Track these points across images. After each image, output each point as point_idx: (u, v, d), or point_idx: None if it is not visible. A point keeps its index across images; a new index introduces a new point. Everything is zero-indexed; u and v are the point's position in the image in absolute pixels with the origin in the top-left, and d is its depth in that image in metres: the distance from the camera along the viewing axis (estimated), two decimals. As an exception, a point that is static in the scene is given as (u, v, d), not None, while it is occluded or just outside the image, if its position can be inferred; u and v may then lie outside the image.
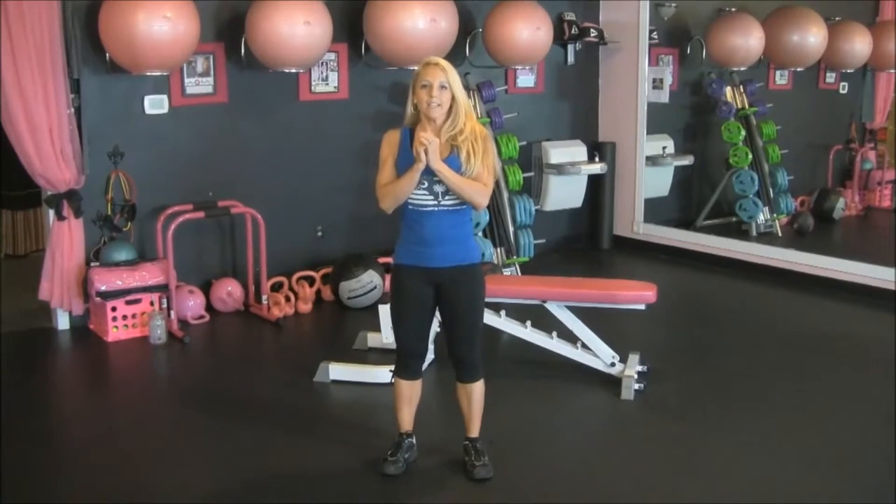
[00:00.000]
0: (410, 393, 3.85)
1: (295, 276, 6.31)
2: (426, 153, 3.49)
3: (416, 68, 3.64)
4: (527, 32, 6.73)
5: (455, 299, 3.70)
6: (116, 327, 5.58)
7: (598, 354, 4.84)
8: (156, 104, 5.89)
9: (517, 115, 7.18)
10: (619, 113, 7.87)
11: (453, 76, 3.56)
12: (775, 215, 8.20)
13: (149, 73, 5.60)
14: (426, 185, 3.59)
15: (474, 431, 3.88)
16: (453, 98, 3.56)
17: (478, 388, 3.83)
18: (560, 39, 7.41)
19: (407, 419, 3.88)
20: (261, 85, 6.23)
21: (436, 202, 3.61)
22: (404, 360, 3.82)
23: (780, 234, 8.18)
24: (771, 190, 8.23)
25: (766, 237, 8.00)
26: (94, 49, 5.56)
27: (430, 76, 3.54)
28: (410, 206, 3.64)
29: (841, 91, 8.86)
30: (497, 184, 6.90)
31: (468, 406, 3.85)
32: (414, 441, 3.89)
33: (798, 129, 8.60)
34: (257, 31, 5.81)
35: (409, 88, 3.63)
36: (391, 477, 3.79)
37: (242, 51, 6.03)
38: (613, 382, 4.72)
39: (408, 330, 3.77)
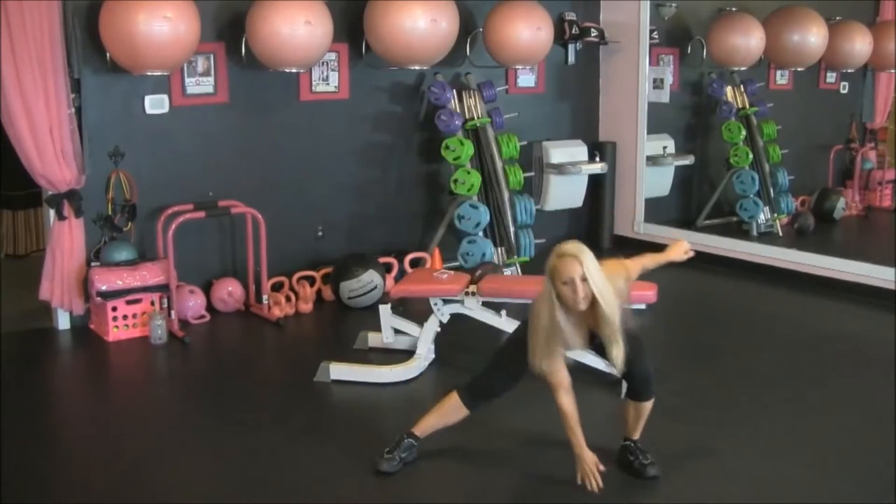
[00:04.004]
0: (456, 415, 3.84)
1: (295, 276, 6.31)
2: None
3: (550, 259, 3.45)
4: (527, 32, 6.72)
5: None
6: (117, 327, 5.58)
7: (599, 354, 4.84)
8: (156, 104, 5.89)
9: (518, 114, 7.19)
10: (619, 113, 7.87)
11: (590, 265, 3.40)
12: (776, 215, 8.20)
13: (149, 73, 5.59)
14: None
15: (637, 434, 3.90)
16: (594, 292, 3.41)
17: (650, 404, 3.84)
18: (561, 39, 7.42)
19: (428, 427, 3.87)
20: (261, 85, 6.24)
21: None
22: (482, 394, 3.82)
23: (780, 233, 8.18)
24: (771, 190, 8.23)
25: (767, 237, 7.99)
26: (94, 49, 5.57)
27: (570, 271, 3.37)
28: None
29: (841, 91, 8.85)
30: (497, 184, 6.90)
31: (636, 418, 3.86)
32: (415, 444, 3.88)
33: (798, 129, 8.59)
34: (258, 30, 5.81)
35: (548, 279, 3.46)
36: (389, 476, 3.78)
37: (243, 51, 6.03)
38: (613, 382, 4.71)
39: (508, 377, 3.77)
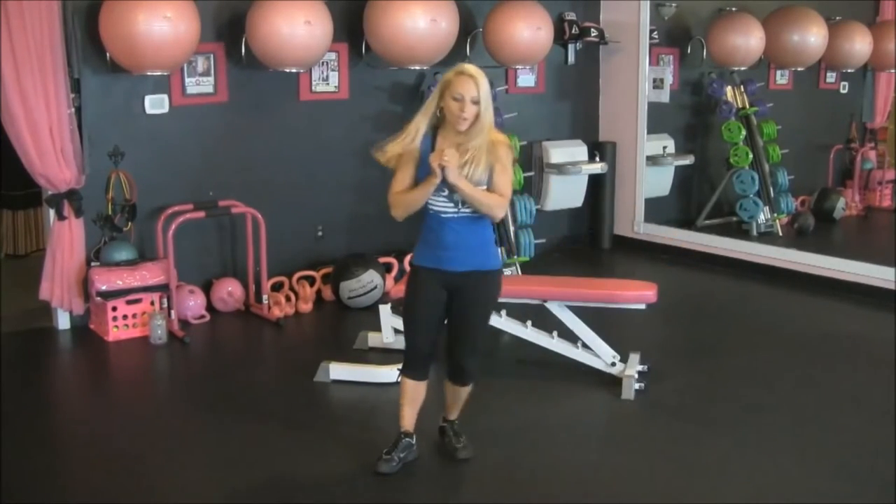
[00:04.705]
0: (415, 393, 3.85)
1: (295, 276, 6.31)
2: (443, 169, 3.47)
3: (447, 74, 3.58)
4: (527, 32, 6.72)
5: (467, 304, 3.71)
6: (117, 327, 5.58)
7: (599, 354, 4.84)
8: (156, 104, 5.89)
9: (517, 114, 7.18)
10: (619, 113, 7.87)
11: (485, 90, 3.52)
12: (776, 215, 8.20)
13: (149, 73, 5.59)
14: (446, 192, 3.58)
15: (454, 415, 3.98)
16: (479, 112, 3.52)
17: (466, 390, 3.91)
18: (560, 39, 7.41)
19: (409, 419, 3.88)
20: (261, 85, 6.23)
21: (455, 209, 3.61)
22: (413, 359, 3.82)
23: (780, 233, 8.17)
24: (771, 190, 8.23)
25: (767, 237, 7.99)
26: (94, 49, 5.56)
27: (463, 89, 3.51)
28: (431, 211, 3.64)
29: (841, 91, 8.86)
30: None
31: (453, 399, 3.95)
32: (413, 441, 3.88)
33: (798, 129, 8.59)
34: (258, 30, 5.80)
35: (437, 90, 3.60)
36: (388, 476, 3.79)
37: (243, 50, 6.02)
38: (614, 382, 4.72)
39: (419, 330, 3.77)
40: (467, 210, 3.60)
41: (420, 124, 3.62)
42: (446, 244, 3.64)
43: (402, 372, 3.87)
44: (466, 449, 3.94)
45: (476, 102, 3.50)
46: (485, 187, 3.59)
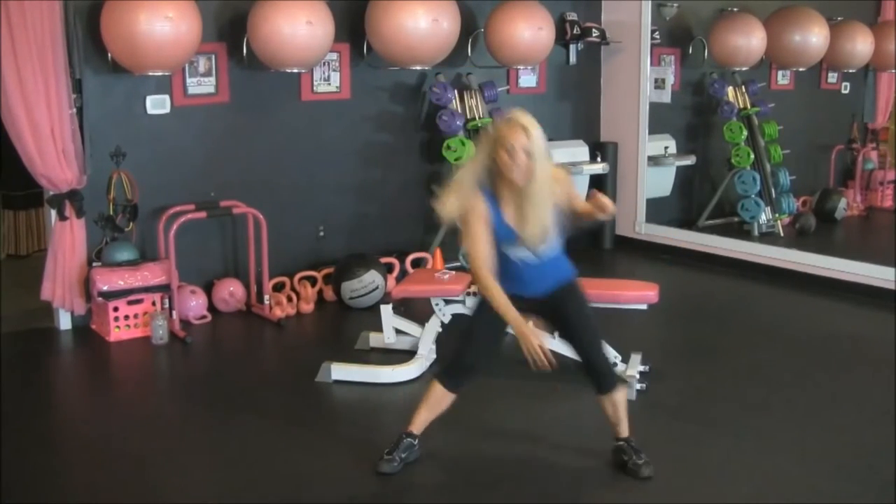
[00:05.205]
0: (441, 401, 3.80)
1: (297, 276, 6.31)
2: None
3: (497, 123, 3.46)
4: (529, 32, 6.73)
5: (570, 314, 3.70)
6: (118, 327, 5.58)
7: (600, 354, 4.83)
8: (158, 104, 5.90)
9: (519, 115, 7.18)
10: (620, 113, 7.87)
11: (538, 139, 3.38)
12: (777, 215, 8.20)
13: (151, 73, 5.60)
14: (528, 251, 3.54)
15: (625, 432, 3.85)
16: (533, 164, 3.39)
17: (621, 394, 3.82)
18: (562, 39, 7.41)
19: (421, 422, 3.85)
20: (263, 85, 6.24)
21: (537, 258, 3.58)
22: (457, 370, 3.78)
23: (781, 234, 8.17)
24: (773, 190, 8.23)
25: (768, 237, 7.99)
26: (95, 49, 5.57)
27: (514, 138, 3.36)
28: (510, 258, 3.57)
29: (843, 91, 8.86)
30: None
31: (614, 413, 3.83)
32: (415, 443, 3.87)
33: (800, 129, 8.59)
34: (259, 31, 5.81)
35: (488, 141, 3.46)
36: (389, 476, 3.79)
37: (244, 51, 6.03)
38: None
39: (480, 348, 3.75)
40: (547, 255, 3.58)
41: (472, 177, 3.50)
42: (527, 281, 3.62)
43: (439, 378, 3.80)
44: (649, 466, 3.77)
45: (528, 152, 3.36)
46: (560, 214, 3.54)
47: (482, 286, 3.54)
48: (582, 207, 3.62)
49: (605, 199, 3.53)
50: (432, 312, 5.00)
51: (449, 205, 3.52)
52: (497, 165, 3.43)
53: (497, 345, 3.78)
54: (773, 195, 8.22)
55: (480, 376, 3.85)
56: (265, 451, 4.10)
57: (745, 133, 8.11)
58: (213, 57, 6.03)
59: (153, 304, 5.67)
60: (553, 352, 3.58)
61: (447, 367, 3.84)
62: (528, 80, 7.57)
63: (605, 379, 3.79)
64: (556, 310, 3.70)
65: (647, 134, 7.76)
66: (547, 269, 3.63)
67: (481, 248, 3.49)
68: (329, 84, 6.54)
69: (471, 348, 3.77)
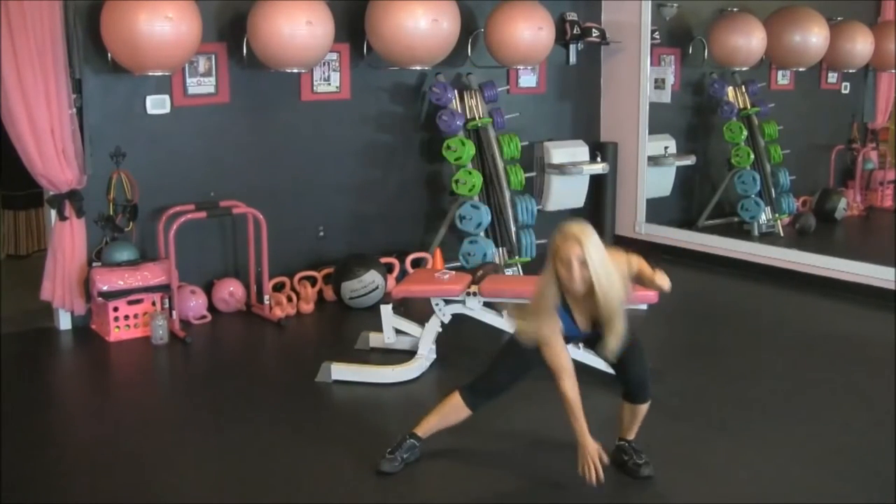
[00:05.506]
0: (456, 414, 3.81)
1: (297, 276, 6.31)
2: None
3: (555, 238, 3.43)
4: (529, 32, 6.72)
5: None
6: (118, 327, 5.58)
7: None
8: (158, 104, 5.90)
9: (519, 115, 7.19)
10: (620, 113, 7.87)
11: (594, 249, 3.35)
12: (777, 215, 8.20)
13: (151, 74, 5.60)
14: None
15: (633, 435, 3.89)
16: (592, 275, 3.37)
17: (646, 406, 3.84)
18: (562, 39, 7.41)
19: (429, 428, 3.86)
20: (263, 85, 6.24)
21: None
22: (485, 389, 3.79)
23: (781, 234, 8.18)
24: (773, 190, 8.23)
25: (768, 237, 8.00)
26: (95, 49, 5.57)
27: (569, 252, 3.34)
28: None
29: (843, 91, 8.86)
30: (499, 184, 6.91)
31: (632, 419, 3.86)
32: (418, 444, 3.88)
33: (800, 130, 8.60)
34: (259, 31, 5.81)
35: (550, 256, 3.45)
36: (391, 476, 3.79)
37: (244, 51, 6.03)
38: (614, 382, 4.70)
39: (510, 374, 3.76)
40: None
41: (547, 297, 3.51)
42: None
43: (462, 392, 3.79)
44: (649, 466, 3.80)
45: (584, 262, 3.34)
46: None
47: (564, 397, 3.57)
48: (644, 278, 3.66)
49: (665, 281, 3.66)
50: (432, 312, 5.00)
51: (529, 328, 3.57)
52: (560, 279, 3.45)
53: (525, 377, 3.77)
54: (773, 195, 8.23)
55: (500, 398, 3.85)
56: (265, 451, 4.10)
57: (745, 133, 8.11)
58: (213, 57, 6.03)
59: (153, 304, 5.67)
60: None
61: (474, 384, 3.82)
62: (528, 80, 7.57)
63: (642, 391, 3.80)
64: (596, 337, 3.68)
65: (647, 134, 7.76)
66: None
67: (563, 361, 3.55)
68: (329, 84, 6.54)
69: (501, 375, 3.77)
